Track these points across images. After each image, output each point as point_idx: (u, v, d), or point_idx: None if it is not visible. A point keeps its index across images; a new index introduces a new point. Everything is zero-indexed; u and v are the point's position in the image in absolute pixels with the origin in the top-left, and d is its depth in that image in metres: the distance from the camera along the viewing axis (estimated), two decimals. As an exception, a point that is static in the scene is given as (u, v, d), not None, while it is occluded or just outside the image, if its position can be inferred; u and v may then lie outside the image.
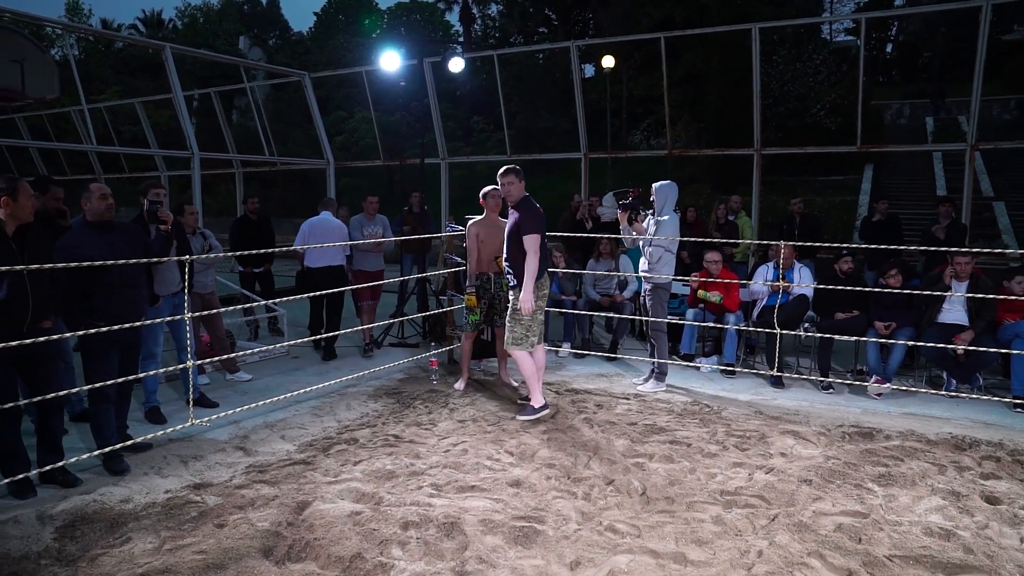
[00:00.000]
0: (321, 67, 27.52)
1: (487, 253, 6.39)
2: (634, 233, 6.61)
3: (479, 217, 6.49)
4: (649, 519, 3.73)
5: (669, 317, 7.63)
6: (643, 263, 6.56)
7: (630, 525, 3.64)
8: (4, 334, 3.87)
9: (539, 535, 3.52)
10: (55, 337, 4.05)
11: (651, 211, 6.52)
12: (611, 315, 7.75)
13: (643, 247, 6.53)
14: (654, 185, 6.48)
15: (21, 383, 4.19)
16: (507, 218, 6.05)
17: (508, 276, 5.75)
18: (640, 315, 6.71)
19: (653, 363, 6.58)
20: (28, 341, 3.84)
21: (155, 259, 4.71)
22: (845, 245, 6.70)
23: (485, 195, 6.48)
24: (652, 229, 6.43)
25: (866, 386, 6.30)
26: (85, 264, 4.16)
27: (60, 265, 4.02)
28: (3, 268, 3.76)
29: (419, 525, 3.61)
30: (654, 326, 6.51)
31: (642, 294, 6.71)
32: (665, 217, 6.36)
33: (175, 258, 5.08)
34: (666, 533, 3.55)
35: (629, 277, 7.81)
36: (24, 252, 4.01)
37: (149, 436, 4.81)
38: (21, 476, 4.01)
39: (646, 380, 6.59)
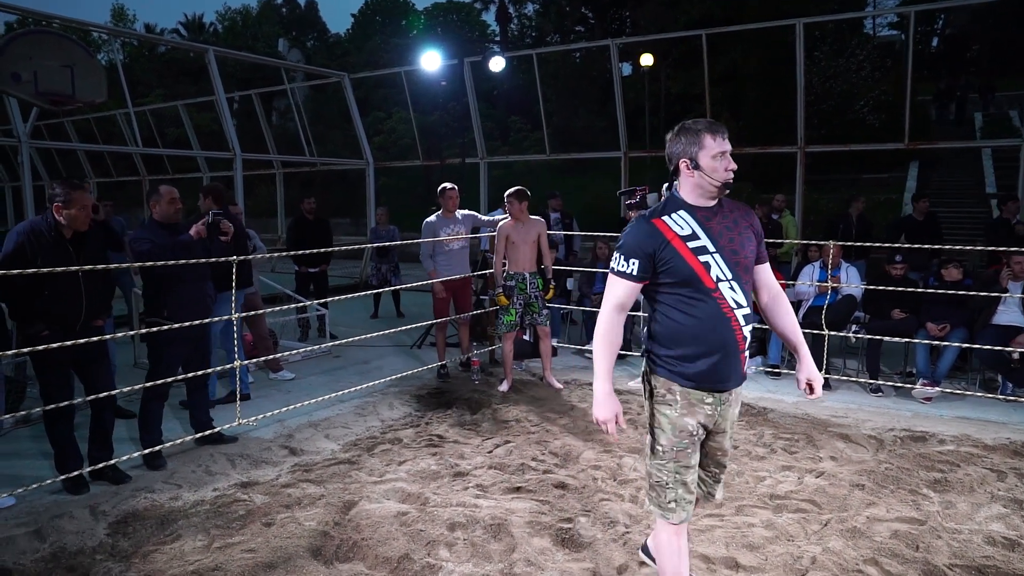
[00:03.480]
0: (359, 68, 27.71)
1: (521, 254, 6.38)
2: None
3: (509, 218, 6.48)
4: (698, 523, 3.66)
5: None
6: None
7: (679, 529, 3.58)
8: (58, 333, 3.96)
9: (587, 538, 3.49)
10: (108, 337, 4.13)
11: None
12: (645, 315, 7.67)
13: None
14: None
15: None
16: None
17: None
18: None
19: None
20: (82, 341, 3.92)
21: (213, 259, 4.79)
22: (896, 245, 6.56)
23: (511, 196, 6.43)
24: None
25: (914, 389, 6.14)
26: (159, 264, 4.32)
27: (138, 264, 4.18)
28: (59, 269, 3.85)
29: (466, 526, 3.60)
30: None
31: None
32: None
33: (226, 258, 5.13)
34: (716, 537, 3.49)
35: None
36: (80, 255, 4.11)
37: (199, 435, 4.87)
38: (75, 473, 4.10)
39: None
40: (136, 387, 4.43)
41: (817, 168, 18.56)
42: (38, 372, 4.14)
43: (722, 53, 22.11)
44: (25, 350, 3.87)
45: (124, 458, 4.35)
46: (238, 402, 5.01)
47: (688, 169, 2.61)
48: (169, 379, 4.59)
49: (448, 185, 6.93)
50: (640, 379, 2.76)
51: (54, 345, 3.82)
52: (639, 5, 30.46)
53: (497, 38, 40.27)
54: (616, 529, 3.59)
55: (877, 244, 6.69)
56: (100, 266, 4.08)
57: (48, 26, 9.29)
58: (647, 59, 19.17)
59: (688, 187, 2.65)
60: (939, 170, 20.06)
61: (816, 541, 3.46)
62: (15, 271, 3.74)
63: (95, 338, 4.11)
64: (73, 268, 3.92)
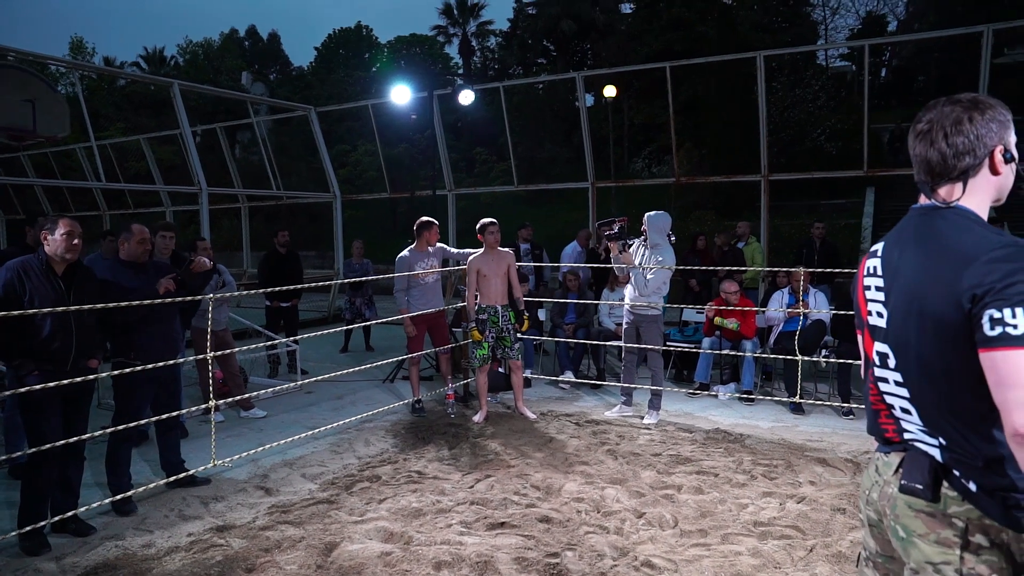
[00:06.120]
0: (323, 101, 27.76)
1: (491, 287, 6.38)
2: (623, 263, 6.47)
3: (479, 252, 6.48)
4: (685, 553, 3.65)
5: (684, 345, 7.61)
6: (631, 292, 6.43)
7: (667, 559, 3.57)
8: (49, 373, 3.85)
9: (575, 572, 3.45)
10: (103, 375, 4.09)
11: (639, 239, 6.46)
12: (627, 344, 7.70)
13: (634, 277, 6.40)
14: (649, 215, 6.40)
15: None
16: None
17: None
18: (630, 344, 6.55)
19: (625, 394, 6.59)
20: (79, 380, 3.85)
21: (188, 298, 4.73)
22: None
23: (483, 229, 6.44)
24: (648, 258, 6.33)
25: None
26: (134, 303, 4.24)
27: (101, 305, 4.05)
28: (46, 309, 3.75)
29: (452, 565, 3.54)
30: (655, 355, 6.43)
31: (627, 324, 6.53)
32: (664, 245, 6.31)
33: (189, 298, 5.04)
34: (704, 567, 3.48)
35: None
36: (71, 291, 4.02)
37: (171, 478, 4.74)
38: (41, 524, 3.89)
39: (645, 414, 6.44)
40: (107, 430, 4.30)
41: (777, 195, 18.97)
42: (26, 414, 3.93)
43: (684, 83, 22.60)
44: (14, 391, 3.77)
45: (94, 505, 4.21)
46: (213, 444, 4.89)
47: (1003, 163, 1.68)
48: (140, 421, 4.47)
49: (430, 220, 6.84)
50: (936, 539, 1.63)
51: (51, 384, 3.72)
52: (601, 38, 31.06)
53: (460, 71, 40.67)
54: (604, 562, 3.56)
55: (840, 270, 6.81)
56: (87, 306, 3.98)
57: (3, 59, 9.16)
58: (610, 90, 19.49)
59: (985, 193, 1.71)
60: (893, 196, 20.66)
61: (803, 567, 3.47)
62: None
63: (91, 376, 4.01)
64: (60, 309, 3.83)
